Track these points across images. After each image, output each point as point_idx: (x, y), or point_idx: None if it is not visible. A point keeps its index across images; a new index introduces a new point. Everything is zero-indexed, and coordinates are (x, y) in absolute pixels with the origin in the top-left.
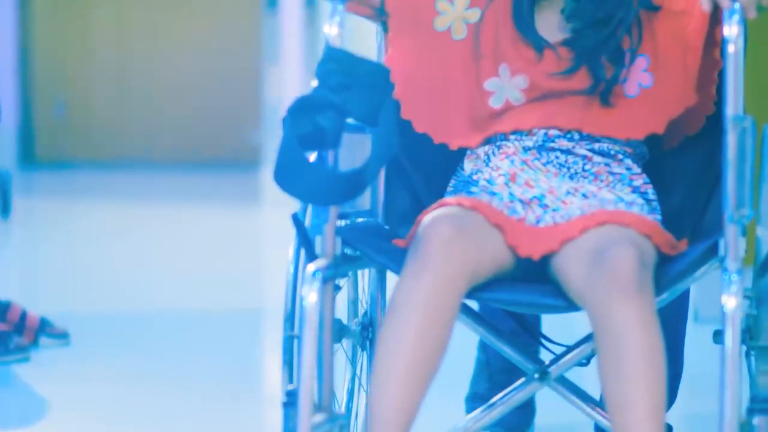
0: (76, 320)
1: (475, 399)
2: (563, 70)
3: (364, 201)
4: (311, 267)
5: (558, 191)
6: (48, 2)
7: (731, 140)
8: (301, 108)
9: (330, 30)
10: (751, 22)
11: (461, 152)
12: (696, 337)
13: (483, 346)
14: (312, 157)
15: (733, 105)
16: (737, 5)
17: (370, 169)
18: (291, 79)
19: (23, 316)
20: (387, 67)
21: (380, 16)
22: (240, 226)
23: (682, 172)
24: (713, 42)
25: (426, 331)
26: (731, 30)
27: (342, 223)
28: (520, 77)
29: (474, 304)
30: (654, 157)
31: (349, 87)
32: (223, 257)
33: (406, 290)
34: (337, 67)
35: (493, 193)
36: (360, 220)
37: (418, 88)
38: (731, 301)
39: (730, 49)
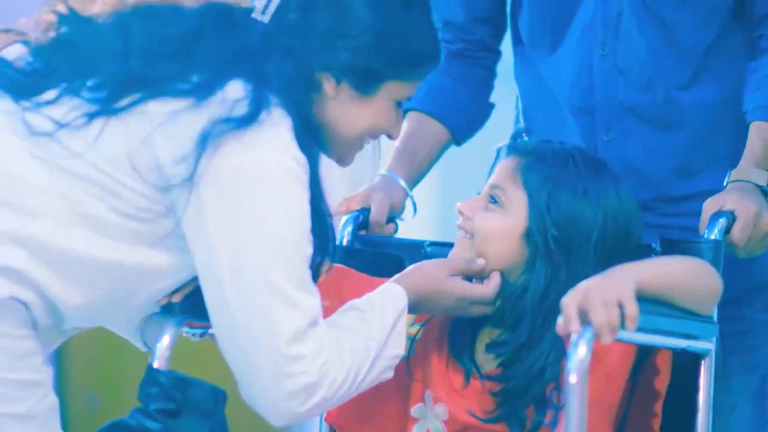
0: None
1: None
2: (484, 417)
3: None
4: None
5: None
6: None
7: None
8: None
9: (159, 345)
10: None
11: None
12: None
13: None
14: None
15: None
16: (588, 332)
17: None
18: None
19: None
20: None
21: None
22: None
23: None
24: (654, 370)
25: None
26: (578, 355)
27: None
28: (440, 407)
29: None
30: None
31: (176, 413)
32: None
33: None
34: (161, 392)
35: None
36: None
37: (352, 413)
38: None
39: (571, 379)
